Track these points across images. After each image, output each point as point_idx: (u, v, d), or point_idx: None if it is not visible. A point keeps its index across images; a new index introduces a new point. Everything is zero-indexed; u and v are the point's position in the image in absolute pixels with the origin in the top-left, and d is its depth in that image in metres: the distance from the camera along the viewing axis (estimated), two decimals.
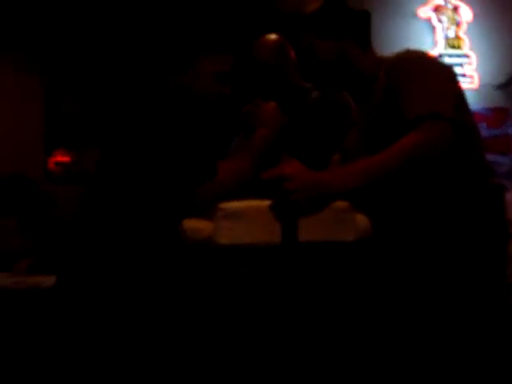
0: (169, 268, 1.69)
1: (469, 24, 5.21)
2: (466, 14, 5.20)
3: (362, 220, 1.57)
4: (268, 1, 4.87)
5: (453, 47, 5.17)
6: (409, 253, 1.62)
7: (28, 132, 4.96)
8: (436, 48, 5.16)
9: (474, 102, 1.66)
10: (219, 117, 2.05)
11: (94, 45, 4.98)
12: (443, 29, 5.21)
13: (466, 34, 5.20)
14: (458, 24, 5.20)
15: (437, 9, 5.22)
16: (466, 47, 5.17)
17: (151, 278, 1.69)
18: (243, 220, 1.46)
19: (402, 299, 1.60)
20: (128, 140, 1.79)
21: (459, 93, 1.64)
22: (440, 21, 5.21)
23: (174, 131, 1.73)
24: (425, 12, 5.22)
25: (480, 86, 5.10)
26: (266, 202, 1.46)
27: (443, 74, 1.62)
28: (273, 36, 2.60)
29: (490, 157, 1.90)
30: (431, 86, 1.55)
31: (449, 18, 5.20)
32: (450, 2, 5.22)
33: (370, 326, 1.55)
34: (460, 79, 1.74)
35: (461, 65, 5.12)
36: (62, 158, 5.00)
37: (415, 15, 5.20)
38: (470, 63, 5.12)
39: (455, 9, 5.21)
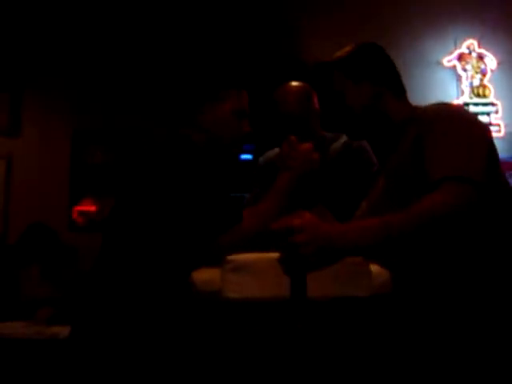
0: (179, 321, 1.65)
1: (494, 72, 5.19)
2: (491, 62, 5.18)
3: (379, 274, 1.49)
4: (292, 50, 4.93)
5: (478, 96, 5.14)
6: (432, 311, 1.53)
7: (53, 182, 5.01)
8: (461, 97, 5.13)
9: (500, 150, 1.60)
10: (239, 159, 2.02)
11: (119, 95, 5.06)
12: (468, 77, 5.19)
13: (491, 82, 5.18)
14: (483, 72, 5.18)
15: (461, 57, 5.21)
16: (491, 95, 5.14)
17: (161, 332, 1.65)
18: (252, 273, 1.41)
19: (422, 365, 1.50)
20: (145, 186, 1.77)
21: (491, 151, 1.55)
22: (465, 69, 5.20)
23: (193, 177, 1.71)
24: (449, 61, 5.21)
25: (506, 134, 5.04)
26: (276, 255, 1.41)
27: (475, 132, 1.54)
28: (297, 84, 2.54)
29: None
30: (461, 146, 1.48)
31: (473, 67, 5.18)
32: (475, 51, 5.21)
33: None
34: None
35: (487, 113, 5.08)
36: (89, 207, 5.03)
37: (440, 64, 5.20)
38: (495, 111, 5.08)
39: (480, 57, 5.20)
